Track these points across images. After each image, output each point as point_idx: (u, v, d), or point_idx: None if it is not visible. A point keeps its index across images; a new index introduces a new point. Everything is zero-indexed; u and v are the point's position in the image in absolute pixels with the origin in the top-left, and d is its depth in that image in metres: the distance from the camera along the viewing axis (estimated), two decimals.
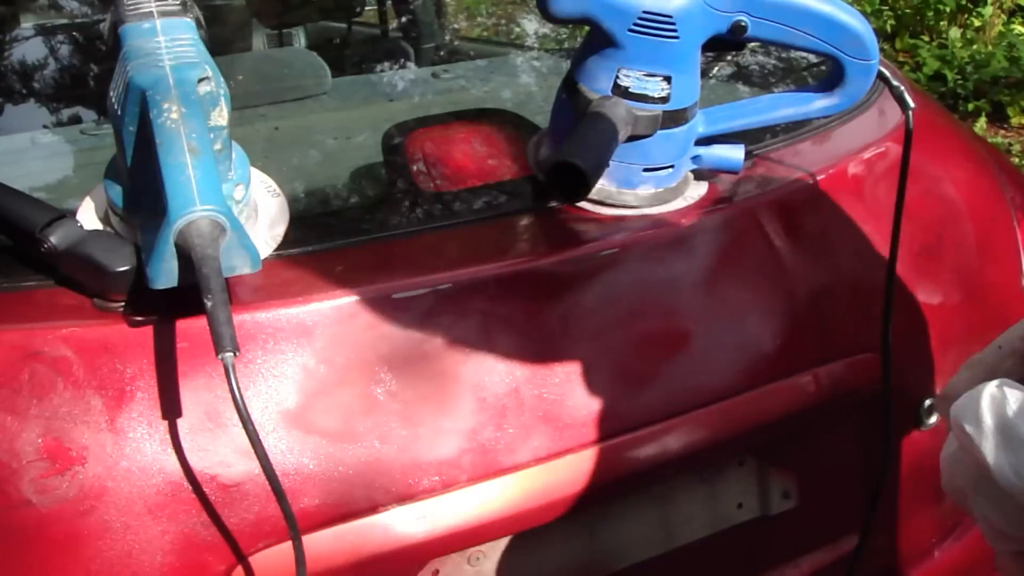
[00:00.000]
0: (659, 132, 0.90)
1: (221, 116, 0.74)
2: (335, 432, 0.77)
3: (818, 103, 1.01)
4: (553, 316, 0.85)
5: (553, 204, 0.93)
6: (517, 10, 1.95)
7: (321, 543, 0.76)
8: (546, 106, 1.00)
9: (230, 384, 0.65)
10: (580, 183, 0.81)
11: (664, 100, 0.88)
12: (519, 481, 0.81)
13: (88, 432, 0.72)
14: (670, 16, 0.85)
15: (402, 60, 1.70)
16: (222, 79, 0.74)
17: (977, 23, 4.60)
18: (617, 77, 0.87)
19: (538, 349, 0.84)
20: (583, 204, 0.92)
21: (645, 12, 0.85)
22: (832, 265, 0.98)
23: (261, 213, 0.83)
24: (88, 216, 0.82)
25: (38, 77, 1.50)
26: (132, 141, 0.74)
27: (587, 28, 0.89)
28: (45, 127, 1.31)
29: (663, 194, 0.94)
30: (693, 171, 0.98)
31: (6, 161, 1.13)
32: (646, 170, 0.92)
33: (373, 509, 0.78)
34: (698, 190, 0.97)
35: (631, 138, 0.89)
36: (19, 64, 1.53)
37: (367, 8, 1.98)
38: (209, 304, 0.66)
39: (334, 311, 0.80)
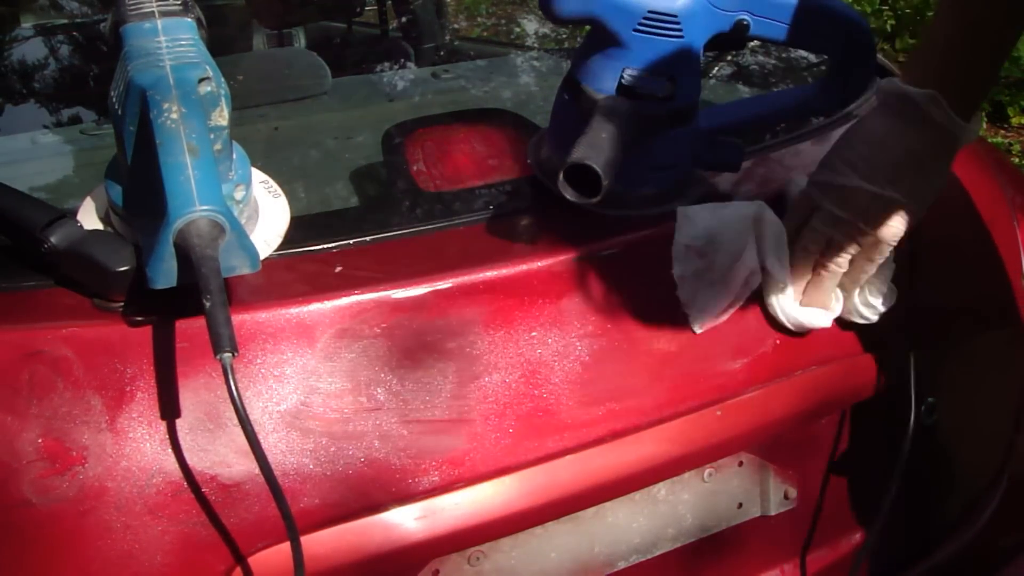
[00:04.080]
0: (664, 131, 0.90)
1: (221, 116, 0.74)
2: (335, 432, 0.77)
3: (818, 102, 1.01)
4: (554, 316, 0.85)
5: (554, 204, 0.93)
6: (517, 10, 1.95)
7: (321, 543, 0.76)
8: (546, 106, 1.00)
9: (228, 384, 0.65)
10: (594, 185, 0.80)
11: (669, 99, 0.88)
12: (519, 481, 0.81)
13: (88, 432, 0.72)
14: (675, 16, 0.85)
15: (402, 60, 1.69)
16: (223, 79, 0.74)
17: None
18: (622, 77, 0.87)
19: (539, 349, 0.84)
20: (586, 204, 0.92)
21: (650, 12, 0.85)
22: None
23: (261, 213, 0.83)
24: (88, 216, 0.82)
25: (38, 77, 1.51)
26: (132, 141, 0.74)
27: (588, 28, 0.89)
28: (45, 127, 1.31)
29: (666, 193, 0.94)
30: (693, 170, 0.98)
31: (6, 161, 1.13)
32: (651, 169, 0.92)
33: (373, 509, 0.78)
34: (698, 189, 0.97)
35: (636, 138, 0.89)
36: (19, 64, 1.54)
37: (367, 8, 1.98)
38: (208, 304, 0.66)
39: (334, 311, 0.80)
